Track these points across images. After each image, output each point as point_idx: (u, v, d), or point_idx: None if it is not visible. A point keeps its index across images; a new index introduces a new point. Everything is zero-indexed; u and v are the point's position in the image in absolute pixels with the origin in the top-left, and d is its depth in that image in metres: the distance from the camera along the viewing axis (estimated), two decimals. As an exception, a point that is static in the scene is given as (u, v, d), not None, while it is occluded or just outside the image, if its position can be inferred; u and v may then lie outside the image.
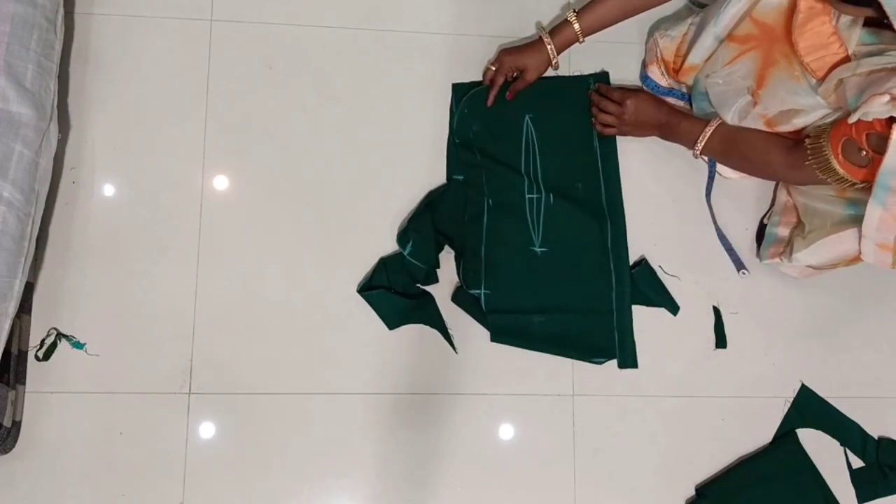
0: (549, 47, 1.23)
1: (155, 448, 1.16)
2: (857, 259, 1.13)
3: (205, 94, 1.25)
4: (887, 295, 1.33)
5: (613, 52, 1.33)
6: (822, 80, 1.06)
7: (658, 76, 1.29)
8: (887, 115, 0.92)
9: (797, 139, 1.10)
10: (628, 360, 1.25)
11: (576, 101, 1.32)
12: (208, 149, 1.24)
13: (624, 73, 1.34)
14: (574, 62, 1.32)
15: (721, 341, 1.28)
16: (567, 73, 1.33)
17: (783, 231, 1.27)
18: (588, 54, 1.30)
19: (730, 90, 1.17)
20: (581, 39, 1.22)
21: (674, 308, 1.28)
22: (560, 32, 1.23)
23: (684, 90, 1.29)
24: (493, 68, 1.26)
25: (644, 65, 1.32)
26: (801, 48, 1.06)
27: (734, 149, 1.20)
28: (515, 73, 1.26)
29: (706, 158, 1.29)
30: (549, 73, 1.28)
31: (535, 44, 1.24)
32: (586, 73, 1.33)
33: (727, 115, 1.19)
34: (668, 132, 1.26)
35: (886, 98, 0.91)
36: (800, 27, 1.05)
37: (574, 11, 1.21)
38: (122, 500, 1.15)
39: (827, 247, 1.17)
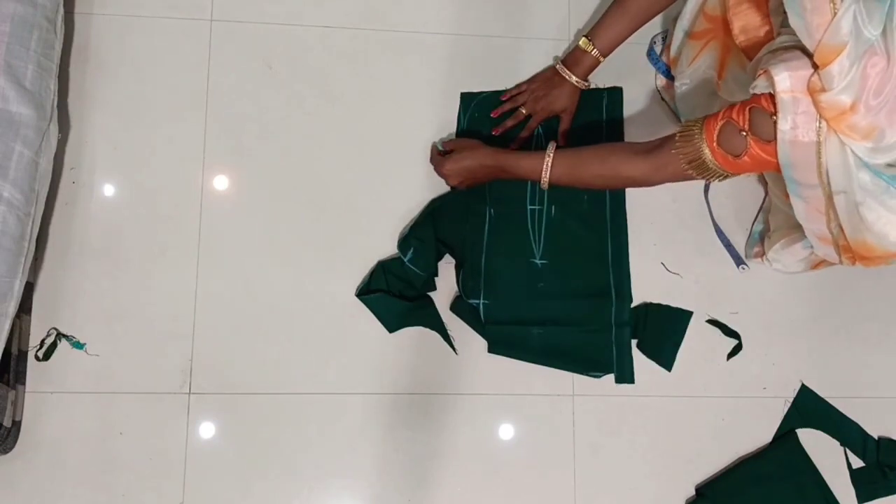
0: (573, 81, 1.22)
1: (155, 448, 1.16)
2: (830, 261, 1.12)
3: (205, 94, 1.25)
4: (888, 294, 1.33)
5: (613, 53, 1.32)
6: (751, 60, 1.04)
7: (669, 59, 1.29)
8: (767, 91, 0.90)
9: (655, 141, 1.06)
10: (626, 375, 1.25)
11: (587, 114, 1.31)
12: (208, 149, 1.24)
13: (625, 73, 1.34)
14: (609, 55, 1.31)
15: (736, 348, 1.28)
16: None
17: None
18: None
19: (693, 89, 1.17)
20: (602, 61, 1.21)
21: (668, 364, 1.27)
22: (579, 63, 1.21)
23: None
24: (524, 111, 1.25)
25: (661, 47, 1.32)
26: (735, 28, 1.05)
27: (582, 171, 1.12)
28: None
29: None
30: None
31: (558, 82, 1.23)
32: (598, 82, 1.32)
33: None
34: (509, 174, 1.18)
35: (765, 76, 0.89)
36: (734, 7, 1.04)
37: (587, 38, 1.19)
38: (122, 500, 1.15)
39: (790, 254, 1.18)
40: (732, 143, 0.95)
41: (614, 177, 1.10)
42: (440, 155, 1.22)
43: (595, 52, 1.19)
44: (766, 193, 1.31)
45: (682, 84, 1.20)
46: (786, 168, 0.93)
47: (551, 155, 1.12)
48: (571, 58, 1.22)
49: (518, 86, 1.29)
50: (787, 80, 0.87)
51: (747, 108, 0.93)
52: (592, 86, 1.31)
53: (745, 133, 0.93)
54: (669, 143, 1.01)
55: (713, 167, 0.97)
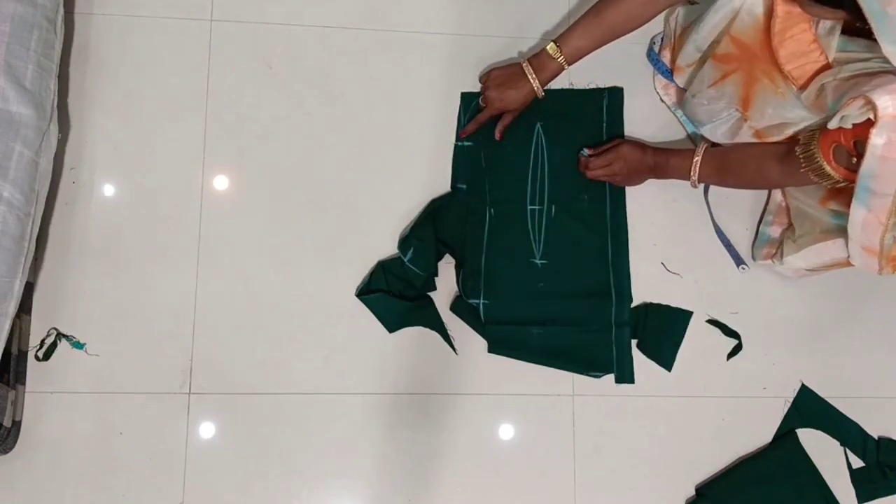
0: (534, 84, 1.21)
1: (155, 448, 1.16)
2: (848, 263, 1.13)
3: (205, 94, 1.25)
4: (887, 295, 1.33)
5: (613, 53, 1.32)
6: (802, 87, 1.06)
7: (669, 62, 1.29)
8: (864, 119, 0.92)
9: (788, 145, 1.10)
10: (626, 375, 1.25)
11: (587, 114, 1.31)
12: (208, 149, 1.24)
13: (625, 73, 1.34)
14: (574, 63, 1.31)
15: (736, 348, 1.28)
16: (573, 79, 1.32)
17: (775, 232, 1.28)
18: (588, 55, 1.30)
19: (716, 107, 1.18)
20: (566, 68, 1.20)
21: (668, 364, 1.27)
22: (544, 67, 1.20)
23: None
24: (481, 104, 1.26)
25: (658, 49, 1.32)
26: (781, 56, 1.05)
27: (727, 172, 1.19)
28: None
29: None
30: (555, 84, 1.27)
31: (519, 76, 1.22)
32: (598, 82, 1.33)
33: (717, 131, 1.20)
34: (660, 173, 1.25)
35: (862, 101, 0.92)
36: (779, 34, 1.04)
37: (555, 43, 1.18)
38: (122, 500, 1.15)
39: (816, 253, 1.18)
40: (847, 163, 0.99)
41: (756, 177, 1.17)
42: (590, 158, 1.26)
43: (561, 59, 1.19)
44: (769, 195, 1.31)
45: (700, 104, 1.20)
46: (865, 177, 0.95)
47: (700, 154, 1.18)
48: (537, 61, 1.21)
49: (492, 69, 1.28)
50: (889, 103, 0.89)
51: (852, 141, 0.96)
52: (592, 85, 1.32)
53: (855, 159, 0.96)
54: (796, 158, 1.04)
55: (838, 178, 1.01)
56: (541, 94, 1.23)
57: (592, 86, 1.32)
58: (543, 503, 1.21)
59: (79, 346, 1.17)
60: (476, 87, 1.31)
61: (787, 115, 1.10)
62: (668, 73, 1.30)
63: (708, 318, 1.29)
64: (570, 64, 1.20)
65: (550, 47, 1.19)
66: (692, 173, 1.20)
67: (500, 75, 1.24)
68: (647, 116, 1.33)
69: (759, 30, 1.08)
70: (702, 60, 1.19)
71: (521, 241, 1.27)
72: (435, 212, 1.25)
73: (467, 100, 1.30)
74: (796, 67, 1.05)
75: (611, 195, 1.29)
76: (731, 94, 1.15)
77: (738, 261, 1.30)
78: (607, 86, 1.33)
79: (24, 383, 1.14)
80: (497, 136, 1.27)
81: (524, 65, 1.21)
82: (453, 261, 1.26)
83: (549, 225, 1.27)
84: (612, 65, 1.30)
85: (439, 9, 1.33)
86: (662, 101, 1.33)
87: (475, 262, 1.25)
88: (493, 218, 1.27)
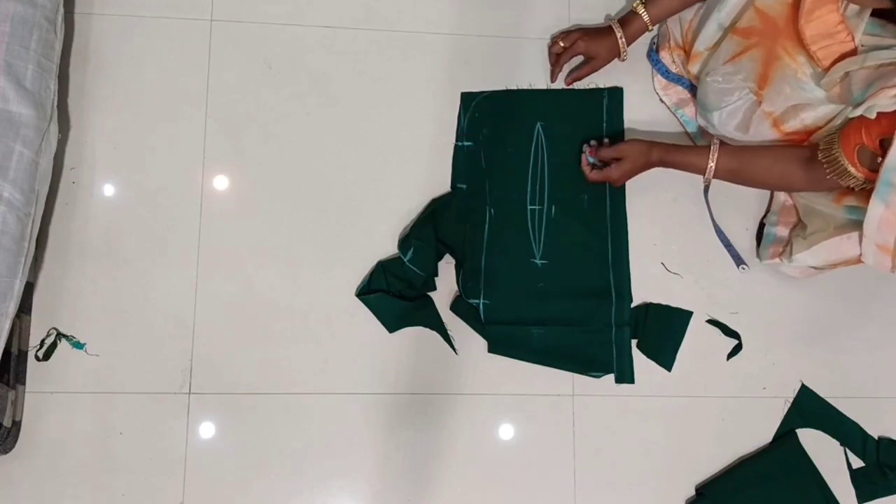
0: (620, 40, 1.25)
1: (155, 448, 1.16)
2: (858, 260, 1.13)
3: (205, 94, 1.25)
4: (888, 295, 1.33)
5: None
6: (827, 69, 1.05)
7: (669, 62, 1.30)
8: (893, 108, 0.92)
9: (810, 150, 1.08)
10: (625, 375, 1.25)
11: (587, 113, 1.31)
12: (208, 149, 1.24)
13: (625, 73, 1.33)
14: (575, 61, 1.32)
15: (736, 348, 1.28)
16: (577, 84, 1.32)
17: (782, 231, 1.27)
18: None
19: (730, 87, 1.17)
20: (650, 28, 1.25)
21: (668, 364, 1.27)
22: (630, 24, 1.25)
23: (693, 80, 1.29)
24: (562, 44, 1.27)
25: (657, 48, 1.32)
26: (807, 36, 1.05)
27: (745, 174, 1.17)
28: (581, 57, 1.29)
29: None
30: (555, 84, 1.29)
31: (606, 32, 1.26)
32: (598, 82, 1.32)
33: (727, 123, 1.18)
34: (669, 166, 1.22)
35: (894, 91, 0.91)
36: (807, 14, 1.04)
37: (642, 3, 1.23)
38: (122, 500, 1.15)
39: (828, 249, 1.17)
40: (872, 163, 0.98)
41: (776, 185, 1.16)
42: (594, 166, 1.24)
43: (645, 17, 1.23)
44: (772, 195, 1.31)
45: (714, 82, 1.18)
46: (889, 171, 0.95)
47: (715, 155, 1.17)
48: (624, 18, 1.26)
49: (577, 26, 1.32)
50: None
51: (877, 139, 0.96)
52: (592, 86, 1.32)
53: (880, 159, 0.96)
54: (820, 163, 1.04)
55: (863, 180, 1.01)
56: (624, 52, 1.26)
57: (592, 86, 1.32)
58: (543, 503, 1.21)
59: (79, 346, 1.17)
60: (476, 87, 1.31)
61: (805, 94, 1.09)
62: (668, 74, 1.30)
63: (708, 318, 1.29)
64: (653, 24, 1.24)
65: (637, 5, 1.24)
66: (708, 173, 1.18)
67: (587, 28, 1.28)
68: (647, 116, 1.33)
69: (786, 4, 1.07)
70: (719, 42, 1.19)
71: (521, 241, 1.27)
72: (435, 212, 1.25)
73: (467, 100, 1.30)
74: (822, 48, 1.05)
75: (611, 195, 1.29)
76: (749, 70, 1.14)
77: (738, 261, 1.30)
78: (607, 86, 1.33)
79: (24, 383, 1.14)
80: (567, 81, 1.30)
81: (612, 24, 1.26)
82: (453, 261, 1.26)
83: (549, 225, 1.27)
84: (613, 65, 1.30)
85: (439, 9, 1.33)
86: (662, 101, 1.33)
87: (475, 262, 1.25)
88: (493, 218, 1.27)
